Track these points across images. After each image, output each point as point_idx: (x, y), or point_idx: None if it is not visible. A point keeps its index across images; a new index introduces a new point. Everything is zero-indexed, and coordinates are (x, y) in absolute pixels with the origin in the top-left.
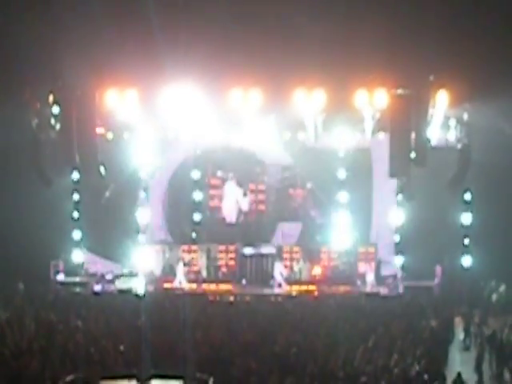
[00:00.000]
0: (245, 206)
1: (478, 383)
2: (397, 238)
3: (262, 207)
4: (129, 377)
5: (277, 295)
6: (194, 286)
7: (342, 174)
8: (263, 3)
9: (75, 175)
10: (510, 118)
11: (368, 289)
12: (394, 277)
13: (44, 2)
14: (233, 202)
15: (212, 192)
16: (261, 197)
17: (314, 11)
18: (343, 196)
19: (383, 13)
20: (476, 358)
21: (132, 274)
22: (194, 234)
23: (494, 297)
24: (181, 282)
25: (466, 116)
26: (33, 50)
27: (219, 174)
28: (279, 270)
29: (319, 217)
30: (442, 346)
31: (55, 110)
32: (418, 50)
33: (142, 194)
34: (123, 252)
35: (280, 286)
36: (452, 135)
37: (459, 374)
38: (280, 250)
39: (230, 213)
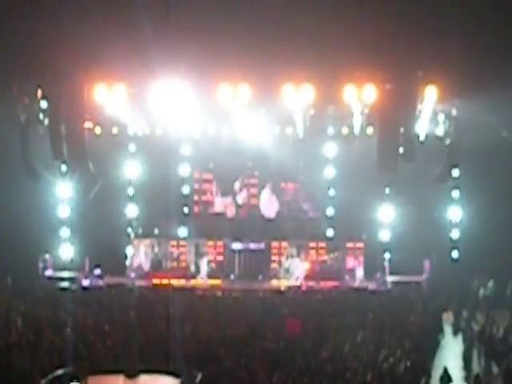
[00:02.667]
0: (240, 201)
1: (466, 378)
2: (385, 233)
3: (254, 201)
4: (117, 372)
5: (265, 290)
6: (183, 281)
7: (330, 169)
8: None
9: (63, 170)
10: (498, 113)
11: (356, 284)
12: (383, 272)
13: None
14: (270, 206)
15: (205, 186)
16: (253, 191)
17: (302, 6)
18: (332, 190)
19: (372, 8)
20: (464, 352)
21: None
22: (182, 229)
23: (482, 292)
24: (203, 277)
25: (454, 111)
26: (21, 44)
27: (211, 166)
28: (299, 267)
29: (311, 211)
30: (431, 341)
31: (43, 104)
32: (406, 45)
33: (130, 189)
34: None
35: (297, 279)
36: (440, 130)
37: (445, 370)
38: (269, 245)
39: (268, 211)
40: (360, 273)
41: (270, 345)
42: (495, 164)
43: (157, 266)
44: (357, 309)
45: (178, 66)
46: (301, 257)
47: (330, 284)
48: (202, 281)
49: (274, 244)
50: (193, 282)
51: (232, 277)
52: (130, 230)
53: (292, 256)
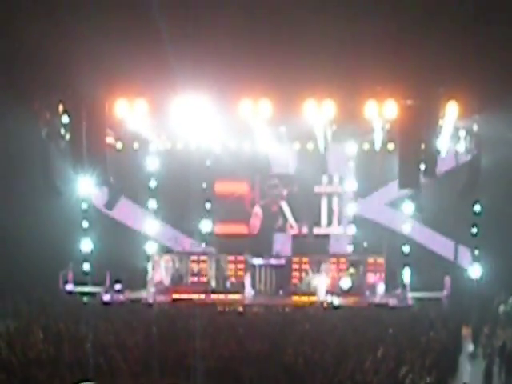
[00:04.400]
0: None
1: None
2: (406, 249)
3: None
4: None
5: (284, 305)
6: (204, 296)
7: (351, 184)
8: (273, 14)
9: (84, 185)
10: None
11: (377, 300)
12: (403, 288)
13: (54, 12)
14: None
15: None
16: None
17: (323, 22)
18: (352, 207)
19: (393, 24)
20: (485, 369)
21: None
22: (203, 245)
23: (503, 308)
24: (250, 293)
25: (475, 127)
26: (42, 59)
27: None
28: (325, 283)
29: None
30: (451, 358)
31: (65, 119)
32: (427, 61)
33: (151, 204)
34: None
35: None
36: (462, 146)
37: None
38: (289, 260)
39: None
40: (381, 288)
41: (290, 360)
42: None
43: (177, 282)
44: (377, 324)
45: (199, 81)
46: (322, 272)
47: (350, 300)
48: (248, 296)
49: (295, 259)
50: (213, 297)
51: (252, 292)
52: (150, 244)
53: (313, 271)
